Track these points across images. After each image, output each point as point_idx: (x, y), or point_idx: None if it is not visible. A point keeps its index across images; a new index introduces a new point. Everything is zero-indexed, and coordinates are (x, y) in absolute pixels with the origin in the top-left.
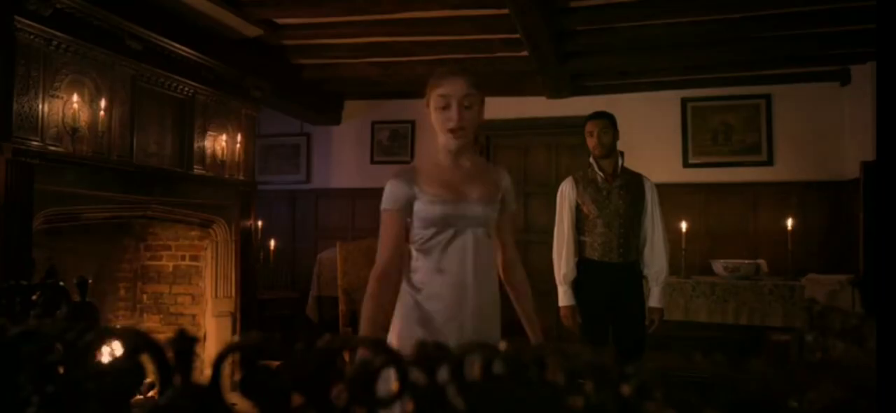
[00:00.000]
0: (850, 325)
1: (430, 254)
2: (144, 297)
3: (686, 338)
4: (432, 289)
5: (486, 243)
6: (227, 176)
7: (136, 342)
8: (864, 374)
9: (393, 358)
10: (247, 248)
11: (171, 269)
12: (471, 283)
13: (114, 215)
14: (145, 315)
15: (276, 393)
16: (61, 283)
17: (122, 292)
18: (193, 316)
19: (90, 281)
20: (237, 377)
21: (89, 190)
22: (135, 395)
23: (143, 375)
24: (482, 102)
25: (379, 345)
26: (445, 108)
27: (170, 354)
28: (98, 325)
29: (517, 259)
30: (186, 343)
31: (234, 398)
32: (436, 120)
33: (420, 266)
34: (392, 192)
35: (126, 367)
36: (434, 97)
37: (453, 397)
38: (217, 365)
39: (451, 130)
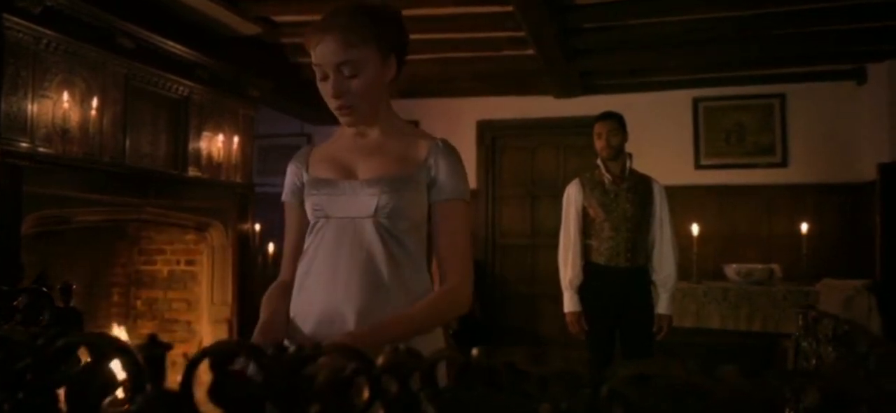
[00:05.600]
0: (841, 332)
1: (304, 259)
2: (138, 302)
3: (698, 344)
4: (296, 308)
5: (384, 244)
6: (223, 178)
7: (106, 348)
8: (848, 381)
9: (364, 365)
10: (244, 252)
11: (165, 273)
12: (344, 308)
13: (106, 218)
14: (139, 321)
15: (247, 400)
16: (44, 289)
17: (116, 298)
18: (189, 322)
19: (75, 286)
20: None
21: (80, 192)
22: (105, 400)
23: (113, 381)
24: (381, 56)
25: (350, 352)
26: (323, 79)
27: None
28: (68, 331)
29: (461, 280)
30: (157, 349)
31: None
32: (320, 90)
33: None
34: (286, 178)
35: (96, 373)
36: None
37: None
38: (188, 371)
39: (336, 108)
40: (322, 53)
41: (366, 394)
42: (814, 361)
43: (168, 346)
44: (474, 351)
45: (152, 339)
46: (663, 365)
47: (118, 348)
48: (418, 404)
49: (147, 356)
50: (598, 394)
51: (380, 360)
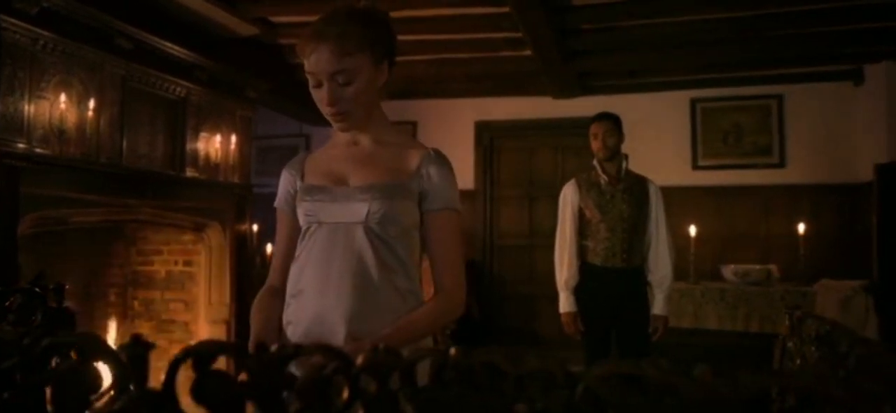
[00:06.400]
0: (823, 332)
1: (296, 264)
2: (136, 303)
3: (695, 345)
4: (289, 314)
5: (375, 249)
6: (221, 178)
7: (91, 348)
8: (807, 379)
9: (343, 364)
10: (242, 253)
11: (163, 274)
12: (336, 312)
13: (103, 219)
14: (137, 322)
15: (229, 399)
16: (38, 289)
17: (113, 298)
18: (186, 323)
19: (68, 286)
20: None
21: (77, 193)
22: (99, 401)
23: (99, 380)
24: (374, 62)
25: (330, 351)
26: (316, 86)
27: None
28: (54, 331)
29: (454, 287)
30: (140, 349)
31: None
32: (314, 97)
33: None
34: (280, 185)
35: (81, 373)
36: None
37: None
38: (171, 371)
39: (330, 115)
40: (316, 62)
41: (345, 393)
42: (798, 361)
43: (151, 346)
44: (452, 350)
45: (136, 339)
46: (636, 364)
47: (102, 349)
48: (397, 403)
49: (130, 356)
50: (573, 393)
51: (359, 360)
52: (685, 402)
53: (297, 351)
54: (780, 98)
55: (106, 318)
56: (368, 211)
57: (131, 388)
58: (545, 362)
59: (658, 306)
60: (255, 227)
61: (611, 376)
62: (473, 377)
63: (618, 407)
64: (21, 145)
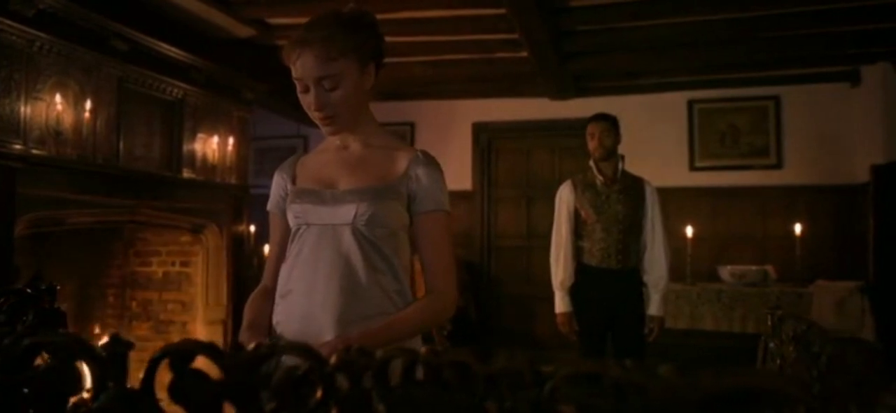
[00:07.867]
0: (800, 332)
1: (285, 265)
2: (133, 304)
3: (691, 346)
4: (278, 314)
5: (362, 250)
6: (218, 179)
7: (72, 347)
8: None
9: (316, 363)
10: (239, 254)
11: (160, 275)
12: (323, 313)
13: (100, 220)
14: (134, 323)
15: (206, 398)
16: (29, 290)
17: (111, 299)
18: (183, 323)
19: (59, 287)
20: None
21: (74, 194)
22: (71, 399)
23: (79, 380)
24: (360, 66)
25: (304, 350)
26: (304, 92)
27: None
28: (37, 331)
29: (445, 287)
30: (120, 348)
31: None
32: (301, 102)
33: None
34: (272, 188)
35: (62, 372)
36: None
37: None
38: (150, 370)
39: (318, 120)
40: (302, 68)
41: (319, 392)
42: (778, 361)
43: (130, 345)
44: (422, 349)
45: (115, 339)
46: (601, 363)
47: (82, 348)
48: (369, 402)
49: (110, 354)
50: (541, 392)
51: (332, 360)
52: (651, 401)
53: (272, 350)
54: (776, 99)
55: (103, 318)
56: (356, 213)
57: (110, 386)
58: (513, 361)
59: (654, 307)
60: (252, 228)
61: (576, 375)
62: (444, 376)
63: (586, 406)
64: (17, 146)
